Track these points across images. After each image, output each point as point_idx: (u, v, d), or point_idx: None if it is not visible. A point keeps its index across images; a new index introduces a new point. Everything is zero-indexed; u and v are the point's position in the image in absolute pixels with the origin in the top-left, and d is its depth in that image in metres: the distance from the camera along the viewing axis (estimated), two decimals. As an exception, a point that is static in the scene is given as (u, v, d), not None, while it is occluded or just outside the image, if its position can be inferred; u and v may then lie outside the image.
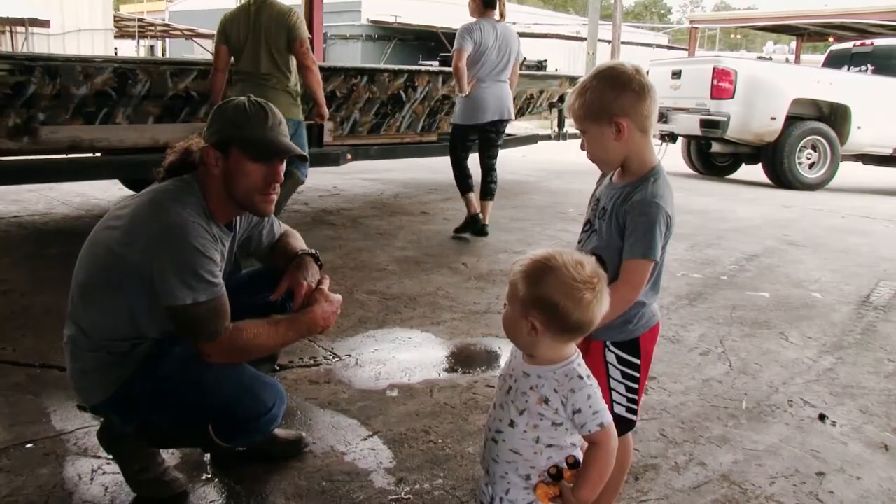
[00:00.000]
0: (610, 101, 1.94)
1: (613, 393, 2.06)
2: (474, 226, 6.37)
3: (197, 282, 2.15)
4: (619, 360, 2.06)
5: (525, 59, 10.81)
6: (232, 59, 5.36)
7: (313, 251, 2.61)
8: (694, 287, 5.01)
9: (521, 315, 1.69)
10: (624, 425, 2.03)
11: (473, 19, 6.16)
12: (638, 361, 2.08)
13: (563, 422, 1.70)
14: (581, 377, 1.70)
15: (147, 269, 2.14)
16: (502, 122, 6.41)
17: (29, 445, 2.74)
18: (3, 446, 2.72)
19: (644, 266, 2.01)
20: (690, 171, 11.93)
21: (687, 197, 9.08)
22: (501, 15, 6.23)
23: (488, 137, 6.36)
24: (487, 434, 1.81)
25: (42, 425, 2.89)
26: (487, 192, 6.47)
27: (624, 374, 2.07)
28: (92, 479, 2.52)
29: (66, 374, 2.38)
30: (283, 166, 2.36)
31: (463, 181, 6.43)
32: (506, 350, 3.87)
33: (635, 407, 2.09)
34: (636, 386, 2.08)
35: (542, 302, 1.66)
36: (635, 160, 2.01)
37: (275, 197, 2.36)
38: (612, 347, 2.05)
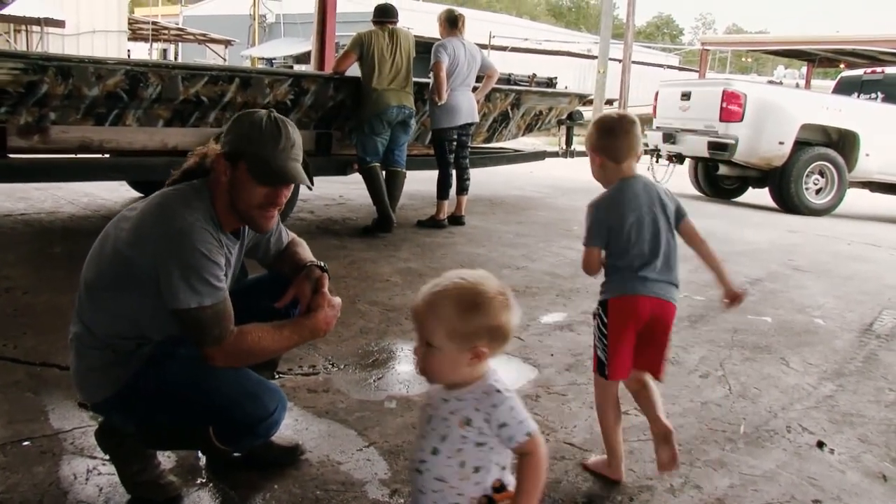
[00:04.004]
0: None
1: (596, 339, 2.76)
2: (431, 225, 7.36)
3: (202, 286, 2.16)
4: (597, 315, 2.77)
5: (534, 74, 10.86)
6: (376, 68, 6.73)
7: (321, 263, 2.61)
8: (696, 309, 5.00)
9: (459, 350, 1.66)
10: (600, 370, 2.74)
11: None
12: (606, 320, 2.70)
13: (488, 440, 1.69)
14: (499, 391, 1.69)
15: (153, 271, 2.16)
16: (471, 125, 7.54)
17: (26, 443, 2.74)
18: (0, 443, 2.72)
19: (585, 251, 2.83)
20: (697, 193, 11.93)
21: (692, 219, 9.07)
22: (460, 29, 7.30)
23: (461, 140, 7.39)
24: (411, 465, 1.79)
25: (40, 423, 2.90)
26: (463, 188, 7.57)
27: (598, 328, 2.74)
28: (87, 479, 2.52)
29: (69, 372, 2.39)
30: (289, 190, 2.36)
31: (445, 189, 7.40)
32: (506, 365, 3.87)
33: (606, 360, 2.71)
34: (606, 342, 2.70)
35: (488, 327, 1.67)
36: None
37: (275, 215, 2.37)
38: (597, 305, 2.78)
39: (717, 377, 3.82)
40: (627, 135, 2.73)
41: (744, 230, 8.56)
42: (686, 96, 10.97)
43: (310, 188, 2.46)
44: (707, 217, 9.32)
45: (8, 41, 16.59)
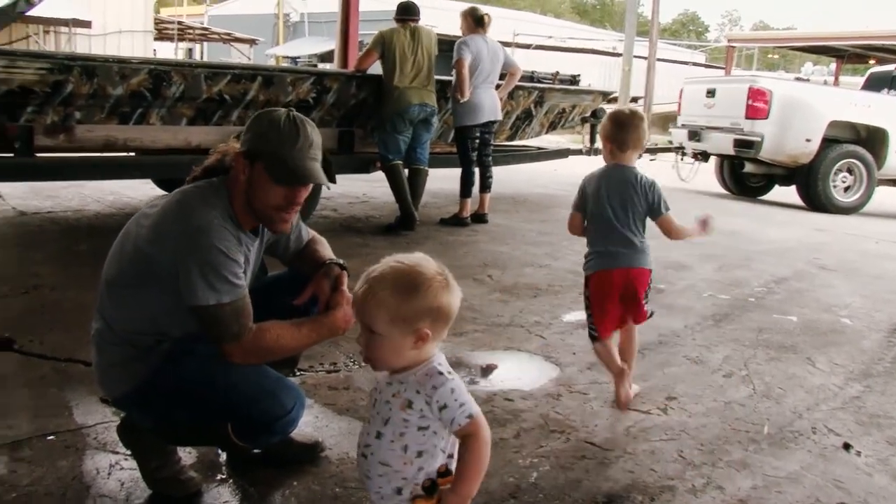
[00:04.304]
0: None
1: (585, 307, 3.39)
2: (454, 222, 7.36)
3: (221, 283, 2.16)
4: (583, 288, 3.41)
5: (558, 72, 10.82)
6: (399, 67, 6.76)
7: (340, 261, 2.61)
8: (720, 308, 4.96)
9: (403, 333, 1.66)
10: (591, 335, 3.35)
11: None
12: (588, 293, 3.35)
13: (430, 424, 1.68)
14: (441, 373, 1.69)
15: (172, 268, 2.17)
16: (494, 123, 7.52)
17: (50, 437, 2.77)
18: (25, 437, 2.76)
19: (570, 214, 3.49)
20: (722, 191, 11.82)
21: (717, 217, 8.94)
22: (485, 29, 7.30)
23: (484, 138, 7.39)
24: (358, 450, 1.79)
25: (64, 418, 2.92)
26: (486, 186, 7.56)
27: (585, 298, 3.39)
28: (109, 474, 2.54)
29: (92, 368, 2.41)
30: (307, 190, 2.36)
31: (468, 187, 7.39)
32: (528, 364, 3.86)
33: (593, 326, 3.31)
34: (590, 311, 3.33)
35: (429, 309, 1.67)
36: None
37: (292, 217, 2.38)
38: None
39: (741, 377, 3.78)
40: (636, 129, 3.29)
41: (770, 228, 8.47)
42: (711, 93, 10.88)
43: (328, 188, 2.45)
44: (732, 215, 9.24)
45: (37, 42, 16.76)
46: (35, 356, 3.54)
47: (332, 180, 6.89)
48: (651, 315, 3.35)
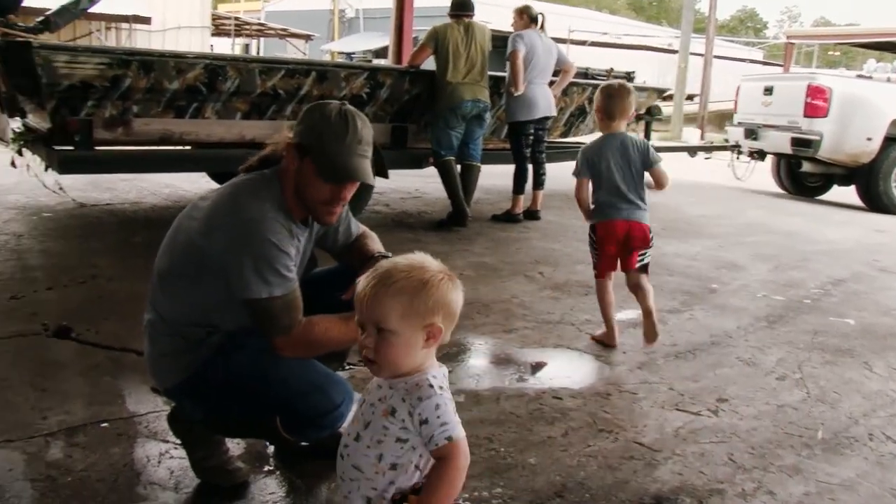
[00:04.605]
0: None
1: (590, 251, 4.11)
2: (506, 219, 7.35)
3: (272, 276, 2.17)
4: (590, 234, 4.08)
5: (612, 69, 10.72)
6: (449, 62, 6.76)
7: (388, 254, 2.60)
8: (774, 309, 4.87)
9: (414, 329, 1.60)
10: (596, 271, 4.06)
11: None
12: (595, 238, 4.02)
13: (409, 437, 1.60)
14: (431, 386, 1.60)
15: (224, 261, 2.18)
16: (548, 119, 7.47)
17: (104, 425, 2.82)
18: (80, 423, 2.82)
19: (576, 182, 4.07)
20: (779, 191, 11.59)
21: (773, 216, 8.85)
22: (542, 28, 7.33)
23: (538, 134, 7.36)
24: (339, 449, 1.72)
25: (117, 406, 2.98)
26: (539, 183, 7.54)
27: (591, 243, 4.08)
28: (159, 462, 2.58)
29: (144, 358, 2.44)
30: (354, 186, 2.34)
31: (521, 184, 7.37)
32: (577, 362, 3.83)
33: (597, 264, 4.03)
34: (596, 252, 4.03)
35: (440, 304, 1.61)
36: None
37: (339, 210, 2.36)
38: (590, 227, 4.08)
39: (795, 380, 3.71)
40: (623, 100, 3.94)
41: (827, 229, 8.29)
42: (769, 91, 10.68)
43: (373, 185, 2.43)
44: (788, 215, 9.08)
45: (99, 38, 17.12)
46: (91, 345, 3.62)
47: (385, 175, 6.90)
48: (642, 262, 3.95)
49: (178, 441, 2.55)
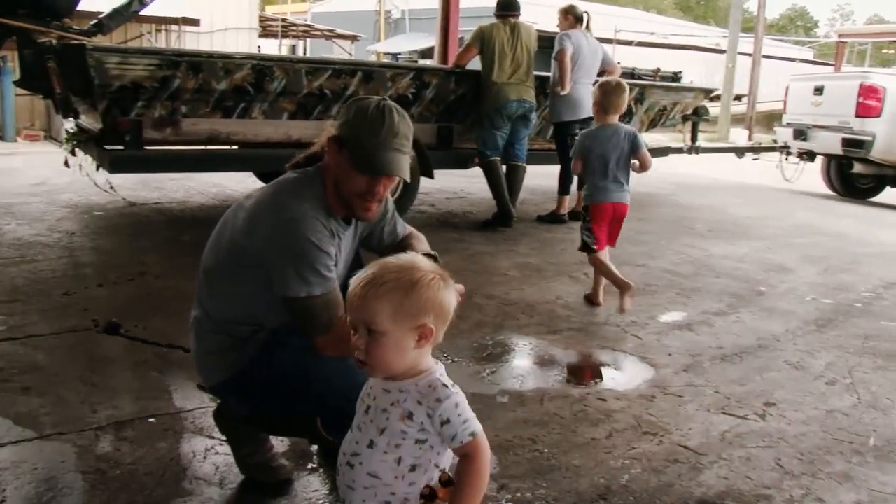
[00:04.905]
0: None
1: (582, 230, 4.67)
2: (552, 220, 7.32)
3: (312, 275, 2.18)
4: (583, 215, 4.73)
5: (659, 69, 10.62)
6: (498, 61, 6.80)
7: (433, 252, 2.59)
8: (824, 313, 4.78)
9: (405, 330, 1.56)
10: (588, 249, 4.62)
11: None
12: (589, 218, 4.61)
13: (428, 438, 1.58)
14: (446, 386, 1.59)
15: (265, 260, 2.20)
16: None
17: (151, 420, 2.87)
18: (129, 418, 2.87)
19: (572, 161, 4.84)
20: (828, 192, 11.35)
21: (822, 218, 8.69)
22: (588, 28, 7.29)
23: None
24: (342, 459, 1.67)
25: (164, 402, 3.03)
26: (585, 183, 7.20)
27: (584, 222, 4.67)
28: (205, 458, 2.61)
29: (191, 355, 2.47)
30: (390, 181, 2.32)
31: (566, 184, 7.34)
32: (622, 363, 3.80)
33: (593, 241, 4.57)
34: (591, 231, 4.59)
35: (431, 304, 1.57)
36: None
37: (375, 206, 2.33)
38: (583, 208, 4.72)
39: (845, 385, 3.63)
40: (617, 97, 4.57)
41: (879, 231, 8.12)
42: (819, 91, 10.49)
43: (409, 182, 2.41)
44: (839, 217, 8.92)
45: (149, 40, 17.38)
46: (139, 341, 3.68)
47: (431, 175, 6.93)
48: None
49: (224, 437, 2.58)
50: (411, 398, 1.58)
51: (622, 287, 4.41)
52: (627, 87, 4.70)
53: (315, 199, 2.27)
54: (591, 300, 4.73)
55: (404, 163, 2.27)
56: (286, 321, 2.29)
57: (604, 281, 4.66)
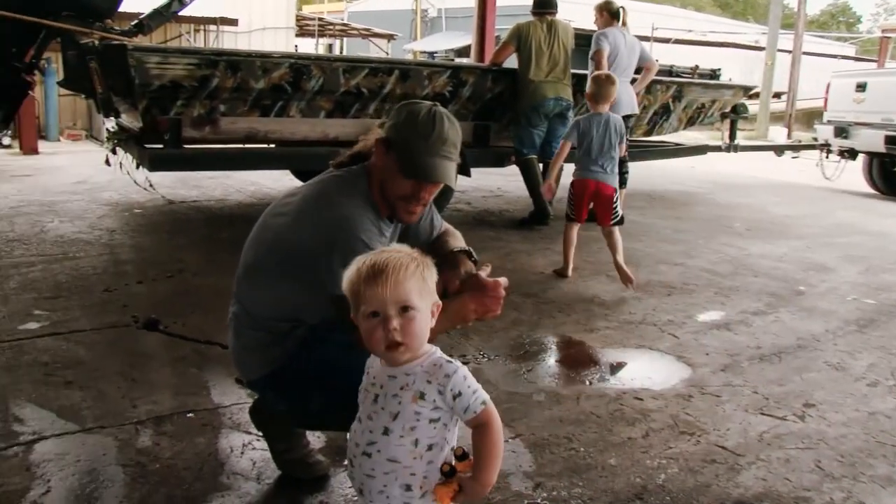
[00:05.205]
0: None
1: (567, 201, 5.26)
2: (588, 218, 7.09)
3: None
4: (568, 192, 5.26)
5: (697, 66, 10.51)
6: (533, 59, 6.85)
7: (468, 248, 2.57)
8: (865, 313, 4.70)
9: (427, 307, 1.67)
10: (568, 217, 5.25)
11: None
12: (572, 193, 5.20)
13: (441, 416, 1.64)
14: (451, 362, 1.66)
15: (311, 257, 2.19)
16: (631, 118, 7.34)
17: (190, 415, 2.90)
18: (168, 413, 2.91)
19: (561, 143, 5.44)
20: (870, 191, 11.15)
21: (864, 217, 8.55)
22: (624, 24, 7.18)
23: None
24: (356, 451, 1.72)
25: (202, 397, 3.06)
26: (622, 181, 7.18)
27: (569, 194, 5.23)
28: (242, 453, 2.64)
29: (228, 350, 2.49)
30: (436, 188, 2.32)
31: None
32: (659, 363, 3.77)
33: (573, 212, 5.21)
34: (572, 202, 5.21)
35: (434, 285, 1.70)
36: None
37: (419, 210, 2.34)
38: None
39: (888, 387, 3.57)
40: (607, 89, 5.17)
41: (923, 231, 7.97)
42: (861, 87, 10.31)
43: (453, 189, 2.41)
44: (881, 216, 8.77)
45: (188, 39, 17.56)
46: (178, 337, 3.73)
47: (468, 174, 6.93)
48: (615, 219, 5.11)
49: (260, 434, 2.60)
50: (419, 379, 1.65)
51: (561, 271, 5.28)
52: (617, 81, 5.38)
53: (363, 197, 2.27)
54: (560, 273, 5.29)
55: (451, 170, 2.27)
56: (327, 316, 2.29)
57: (572, 253, 5.29)
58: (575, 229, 5.24)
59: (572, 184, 5.21)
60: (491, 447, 1.63)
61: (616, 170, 5.18)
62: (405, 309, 1.62)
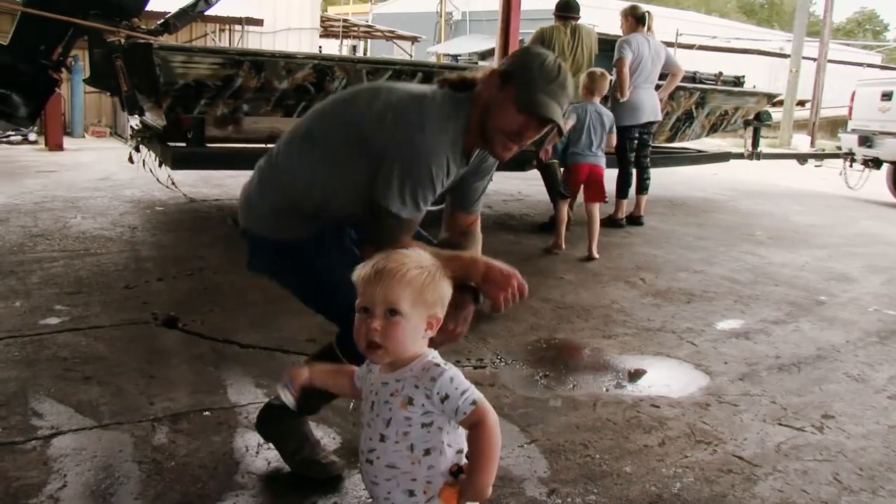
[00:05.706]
0: None
1: (561, 182, 6.33)
2: (609, 224, 7.12)
3: (412, 200, 2.18)
4: (565, 171, 6.28)
5: (721, 73, 10.45)
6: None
7: (476, 287, 2.29)
8: (887, 324, 4.65)
9: (420, 318, 1.65)
10: (560, 195, 6.29)
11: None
12: (569, 175, 6.14)
13: (433, 420, 1.63)
14: (438, 364, 1.64)
15: (377, 159, 2.20)
16: (654, 124, 7.46)
17: (206, 413, 2.91)
18: (184, 410, 2.92)
19: None
20: (895, 201, 11.07)
21: (887, 227, 8.47)
22: (649, 29, 7.26)
23: (643, 138, 7.35)
24: (361, 458, 1.73)
25: (219, 396, 3.07)
26: (643, 187, 7.52)
27: (563, 181, 6.28)
28: (257, 453, 2.64)
29: (241, 190, 2.52)
30: (539, 131, 2.32)
31: (625, 188, 7.32)
32: (677, 370, 3.75)
33: (566, 190, 6.17)
34: (566, 185, 6.17)
35: (442, 297, 1.69)
36: None
37: (515, 148, 2.33)
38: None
39: (909, 399, 3.54)
40: (600, 83, 6.04)
41: (948, 242, 7.88)
42: (887, 96, 10.22)
43: (562, 134, 2.41)
44: (906, 227, 8.68)
45: (213, 39, 17.68)
46: (196, 335, 3.75)
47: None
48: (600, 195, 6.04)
49: (269, 444, 2.61)
50: (408, 384, 1.65)
51: (554, 245, 6.10)
52: (610, 77, 6.23)
53: (457, 131, 2.27)
54: (552, 249, 6.06)
55: (560, 115, 2.28)
56: (353, 211, 2.29)
57: (564, 229, 6.10)
58: (566, 206, 6.15)
59: (569, 166, 6.07)
60: (484, 447, 1.61)
61: (602, 151, 6.04)
62: (392, 312, 1.62)
